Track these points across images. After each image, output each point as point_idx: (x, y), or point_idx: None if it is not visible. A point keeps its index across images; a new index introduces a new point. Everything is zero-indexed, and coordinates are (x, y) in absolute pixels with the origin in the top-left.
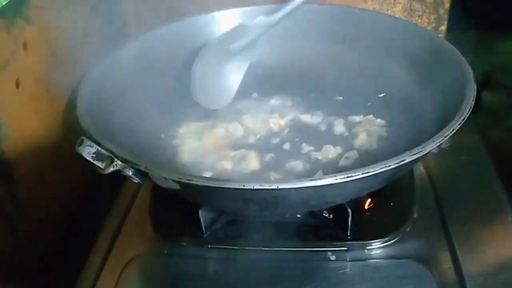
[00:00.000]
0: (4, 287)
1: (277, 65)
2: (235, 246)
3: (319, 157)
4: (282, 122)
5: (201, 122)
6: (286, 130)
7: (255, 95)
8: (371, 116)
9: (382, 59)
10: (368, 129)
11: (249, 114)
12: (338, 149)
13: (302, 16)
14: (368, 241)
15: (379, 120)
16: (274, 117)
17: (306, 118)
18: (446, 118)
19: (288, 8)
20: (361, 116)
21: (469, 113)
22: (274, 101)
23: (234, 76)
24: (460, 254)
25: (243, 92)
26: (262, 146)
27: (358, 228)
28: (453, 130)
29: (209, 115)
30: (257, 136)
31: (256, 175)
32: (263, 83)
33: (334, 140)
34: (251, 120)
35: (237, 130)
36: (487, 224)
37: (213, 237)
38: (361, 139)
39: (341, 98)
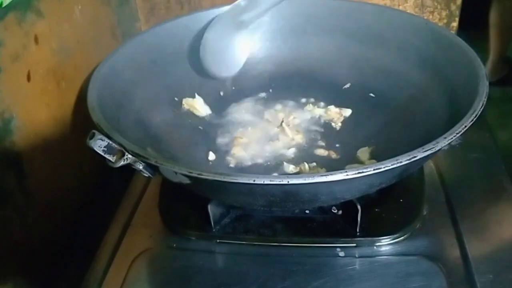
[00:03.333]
0: (15, 278)
1: (285, 61)
2: (244, 241)
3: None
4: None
5: None
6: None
7: (263, 94)
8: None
9: (393, 55)
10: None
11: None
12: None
13: (310, 10)
14: (377, 238)
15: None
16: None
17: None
18: (458, 115)
19: None
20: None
21: (481, 110)
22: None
23: (243, 46)
24: (470, 252)
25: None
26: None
27: (367, 224)
28: (465, 127)
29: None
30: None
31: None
32: (270, 81)
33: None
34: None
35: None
36: (497, 221)
37: (222, 232)
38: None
39: (348, 94)
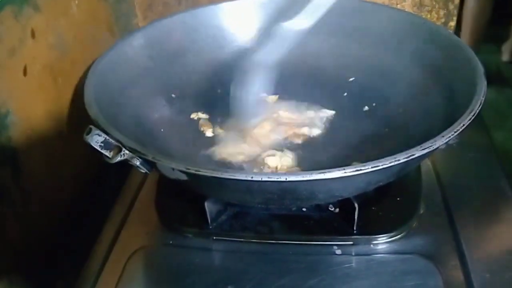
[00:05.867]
0: (11, 276)
1: (283, 61)
2: (240, 238)
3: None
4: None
5: None
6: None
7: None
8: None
9: (391, 54)
10: None
11: None
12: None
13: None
14: (374, 236)
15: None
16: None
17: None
18: (456, 114)
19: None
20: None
21: (479, 108)
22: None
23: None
24: (466, 251)
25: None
26: None
27: (364, 222)
28: (464, 125)
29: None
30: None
31: None
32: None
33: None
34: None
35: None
36: (493, 220)
37: (219, 229)
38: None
39: (347, 93)
